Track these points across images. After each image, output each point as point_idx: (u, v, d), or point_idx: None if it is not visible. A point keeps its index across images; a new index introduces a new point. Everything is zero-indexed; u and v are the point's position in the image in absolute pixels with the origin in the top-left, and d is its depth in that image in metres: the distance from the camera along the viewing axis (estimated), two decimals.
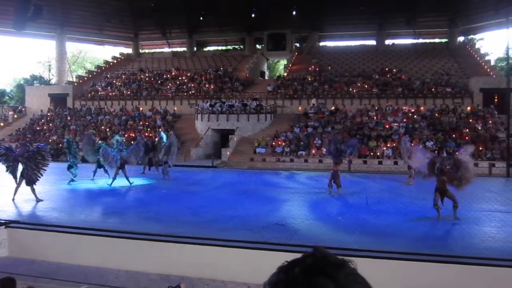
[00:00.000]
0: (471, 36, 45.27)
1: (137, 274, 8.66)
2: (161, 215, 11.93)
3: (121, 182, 17.82)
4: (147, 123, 33.08)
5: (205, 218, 11.51)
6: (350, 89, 33.03)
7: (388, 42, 43.69)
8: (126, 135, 30.73)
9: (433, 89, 31.46)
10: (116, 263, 9.05)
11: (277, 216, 11.73)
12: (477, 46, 42.79)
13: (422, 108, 29.54)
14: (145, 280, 8.44)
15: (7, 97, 52.15)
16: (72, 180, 17.97)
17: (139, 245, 9.15)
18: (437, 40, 42.61)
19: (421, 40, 42.37)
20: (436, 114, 28.28)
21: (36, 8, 32.15)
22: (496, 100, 30.26)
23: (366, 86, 33.17)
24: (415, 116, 28.32)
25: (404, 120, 27.88)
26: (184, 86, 38.15)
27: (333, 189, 15.64)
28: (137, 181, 18.84)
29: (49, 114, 37.77)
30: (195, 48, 48.74)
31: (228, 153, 27.05)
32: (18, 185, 13.68)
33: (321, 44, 45.88)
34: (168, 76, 41.03)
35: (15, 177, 13.69)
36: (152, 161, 20.65)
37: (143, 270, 8.77)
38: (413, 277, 7.63)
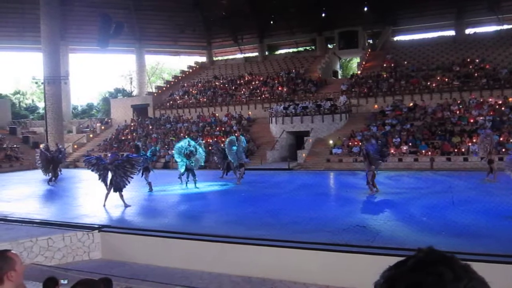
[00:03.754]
0: None
1: (220, 276, 8.89)
2: (242, 218, 12.13)
3: (202, 186, 18.43)
4: (223, 128, 33.89)
5: (284, 220, 11.53)
6: (429, 84, 31.53)
7: (468, 31, 41.18)
8: (204, 141, 31.67)
9: None
10: (200, 265, 9.35)
11: (357, 218, 11.47)
12: None
13: (510, 99, 27.43)
14: (227, 281, 8.63)
15: (94, 110, 55.96)
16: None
17: (222, 247, 9.37)
18: None
19: (506, 26, 39.45)
20: None
21: (117, 25, 34.25)
22: None
23: (446, 79, 31.46)
24: (502, 108, 26.39)
25: (490, 113, 26.08)
26: (257, 90, 38.62)
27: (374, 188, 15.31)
28: (217, 185, 19.37)
29: (132, 124, 39.92)
30: (266, 52, 49.22)
31: (303, 155, 26.93)
32: (108, 191, 14.59)
33: (395, 38, 44.30)
34: (241, 81, 41.79)
35: (105, 184, 14.62)
36: (230, 166, 21.10)
37: (226, 272, 8.98)
38: (506, 280, 7.11)
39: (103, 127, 41.70)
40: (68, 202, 16.81)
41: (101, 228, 11.14)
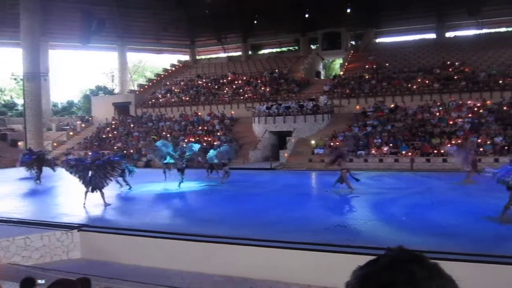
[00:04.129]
0: None
1: (202, 276, 8.85)
2: (224, 217, 12.11)
3: (185, 185, 18.34)
4: (205, 128, 33.77)
5: (266, 220, 11.55)
6: (410, 85, 31.94)
7: (448, 34, 41.88)
8: (186, 140, 31.56)
9: (500, 81, 29.72)
10: (182, 265, 9.30)
11: (338, 217, 11.56)
12: None
13: (488, 101, 27.98)
14: (209, 281, 8.61)
15: (75, 108, 55.15)
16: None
17: (204, 247, 9.34)
18: (503, 29, 40.28)
19: (485, 30, 40.22)
20: (505, 108, 26.66)
21: (99, 22, 33.87)
22: None
23: (427, 82, 31.92)
24: (481, 111, 26.90)
25: (469, 115, 26.56)
26: (241, 90, 38.59)
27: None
28: (201, 185, 19.28)
29: (113, 122, 39.49)
30: (250, 52, 49.19)
31: (286, 155, 27.02)
32: (87, 190, 14.37)
33: (378, 40, 44.75)
34: (225, 80, 41.69)
35: (86, 184, 14.38)
36: (213, 165, 21.01)
37: (207, 272, 8.95)
38: (485, 280, 7.25)
39: (83, 125, 41.13)
40: (47, 201, 16.56)
41: (80, 227, 10.99)
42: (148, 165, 28.90)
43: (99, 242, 10.71)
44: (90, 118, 42.79)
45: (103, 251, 10.47)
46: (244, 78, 41.03)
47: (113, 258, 10.10)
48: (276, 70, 41.09)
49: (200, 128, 33.92)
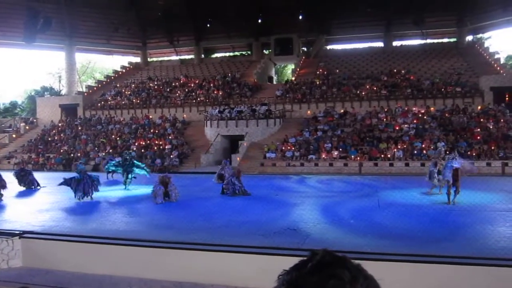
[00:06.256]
0: (480, 35, 44.96)
1: (150, 282, 8.67)
2: (173, 222, 11.95)
3: (131, 191, 17.93)
4: (156, 131, 33.23)
5: (216, 224, 11.49)
6: (359, 92, 32.92)
7: (395, 43, 43.57)
8: (136, 143, 30.94)
9: (442, 89, 31.25)
10: (129, 271, 9.07)
11: (288, 221, 11.68)
12: (486, 44, 42.45)
13: (432, 108, 29.35)
14: (157, 287, 8.45)
15: (18, 109, 52.77)
16: None
17: (152, 252, 9.16)
18: (445, 40, 42.38)
19: (429, 41, 42.19)
20: (447, 114, 28.07)
21: (45, 20, 32.62)
22: (507, 98, 29.99)
23: (375, 88, 33.04)
24: (425, 117, 28.14)
25: (414, 121, 27.71)
26: (193, 93, 38.32)
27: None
28: (149, 189, 18.90)
29: (60, 124, 38.10)
30: (202, 55, 48.99)
31: (238, 158, 27.05)
32: None
33: (328, 47, 45.86)
34: (177, 83, 41.26)
35: None
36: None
37: (156, 278, 8.77)
38: (427, 279, 7.54)
39: (27, 127, 39.42)
40: None
41: (22, 234, 10.48)
42: (96, 169, 28.05)
43: (42, 249, 10.25)
44: (34, 120, 41.08)
45: (46, 259, 10.03)
46: (197, 81, 40.80)
47: (56, 266, 9.70)
48: (229, 74, 41.18)
49: (151, 131, 33.34)
